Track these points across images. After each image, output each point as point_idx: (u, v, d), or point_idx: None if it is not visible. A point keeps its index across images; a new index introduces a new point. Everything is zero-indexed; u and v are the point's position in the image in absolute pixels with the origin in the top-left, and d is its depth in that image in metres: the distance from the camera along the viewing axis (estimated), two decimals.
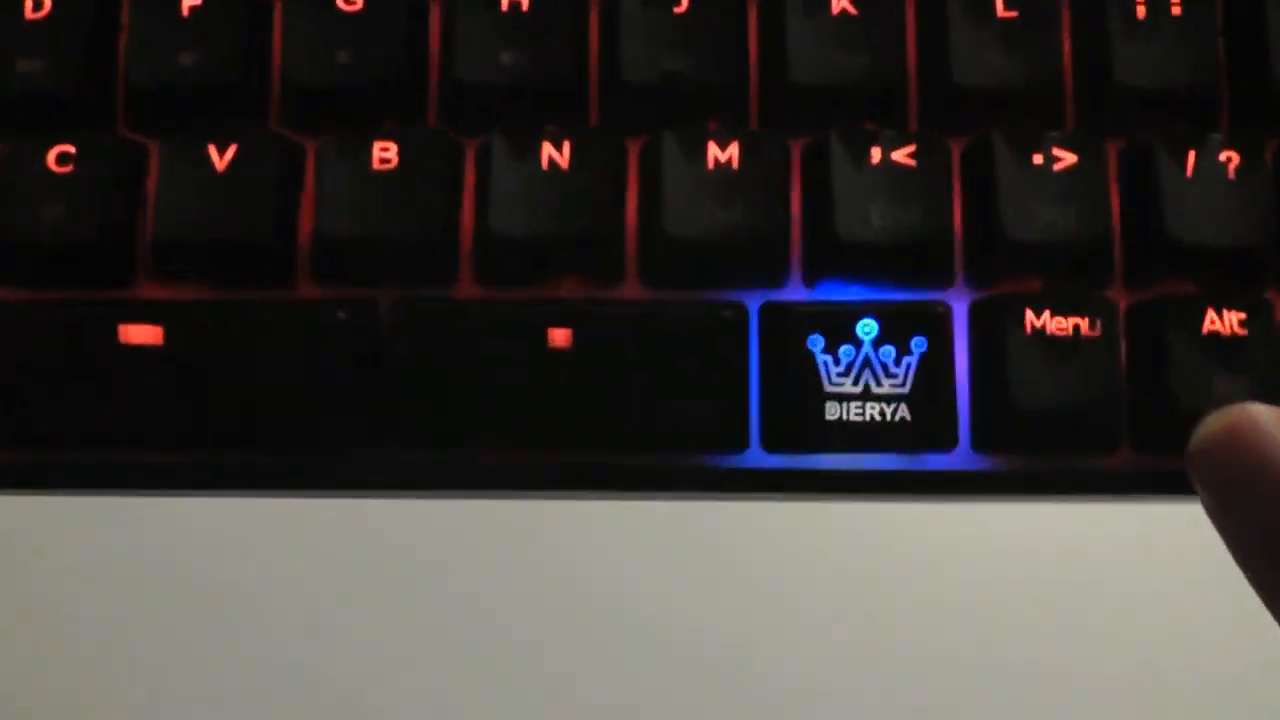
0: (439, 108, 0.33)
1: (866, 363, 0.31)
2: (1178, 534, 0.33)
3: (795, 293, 0.32)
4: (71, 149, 0.32)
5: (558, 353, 0.31)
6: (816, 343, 0.31)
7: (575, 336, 0.31)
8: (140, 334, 0.31)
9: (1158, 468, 0.32)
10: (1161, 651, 0.34)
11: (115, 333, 0.31)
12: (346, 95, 0.33)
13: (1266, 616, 0.26)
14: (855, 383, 0.31)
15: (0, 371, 0.31)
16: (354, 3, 0.33)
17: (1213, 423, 0.27)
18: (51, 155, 0.32)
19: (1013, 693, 0.34)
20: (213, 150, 0.32)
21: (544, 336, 0.31)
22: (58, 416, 0.31)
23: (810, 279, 0.32)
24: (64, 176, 0.32)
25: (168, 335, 0.31)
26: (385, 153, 0.32)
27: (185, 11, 0.33)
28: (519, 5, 0.33)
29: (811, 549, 0.33)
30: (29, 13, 0.33)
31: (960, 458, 0.32)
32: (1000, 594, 0.33)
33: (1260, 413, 0.27)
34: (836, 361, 0.31)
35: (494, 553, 0.34)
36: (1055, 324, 0.31)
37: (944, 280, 0.32)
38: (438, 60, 0.33)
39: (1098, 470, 0.32)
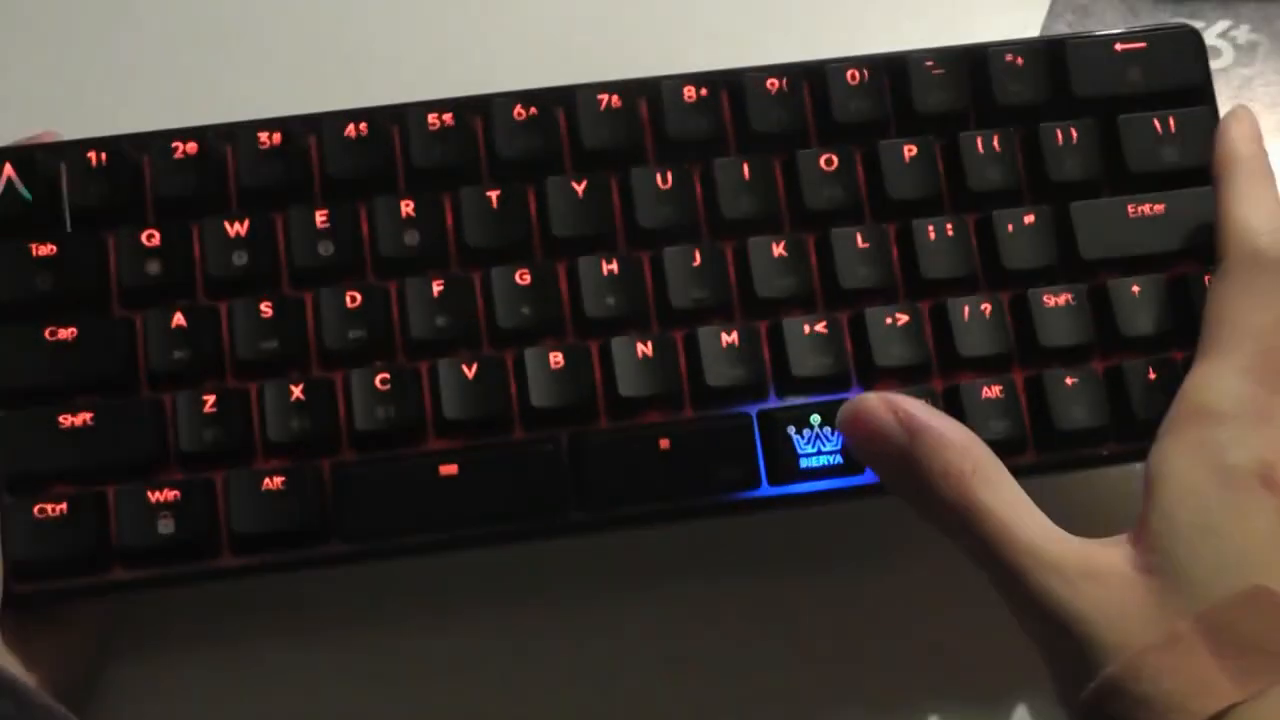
0: None
1: (816, 437, 0.60)
2: None
3: (773, 403, 0.61)
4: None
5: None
6: (790, 428, 0.60)
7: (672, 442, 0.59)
8: None
9: None
10: None
11: None
12: None
13: None
14: (811, 446, 0.60)
15: None
16: None
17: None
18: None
19: None
20: None
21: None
22: None
23: (780, 395, 0.61)
24: None
25: None
26: None
27: None
28: None
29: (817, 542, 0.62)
30: None
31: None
32: None
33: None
34: (803, 437, 0.60)
35: None
36: None
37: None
38: None
39: None
